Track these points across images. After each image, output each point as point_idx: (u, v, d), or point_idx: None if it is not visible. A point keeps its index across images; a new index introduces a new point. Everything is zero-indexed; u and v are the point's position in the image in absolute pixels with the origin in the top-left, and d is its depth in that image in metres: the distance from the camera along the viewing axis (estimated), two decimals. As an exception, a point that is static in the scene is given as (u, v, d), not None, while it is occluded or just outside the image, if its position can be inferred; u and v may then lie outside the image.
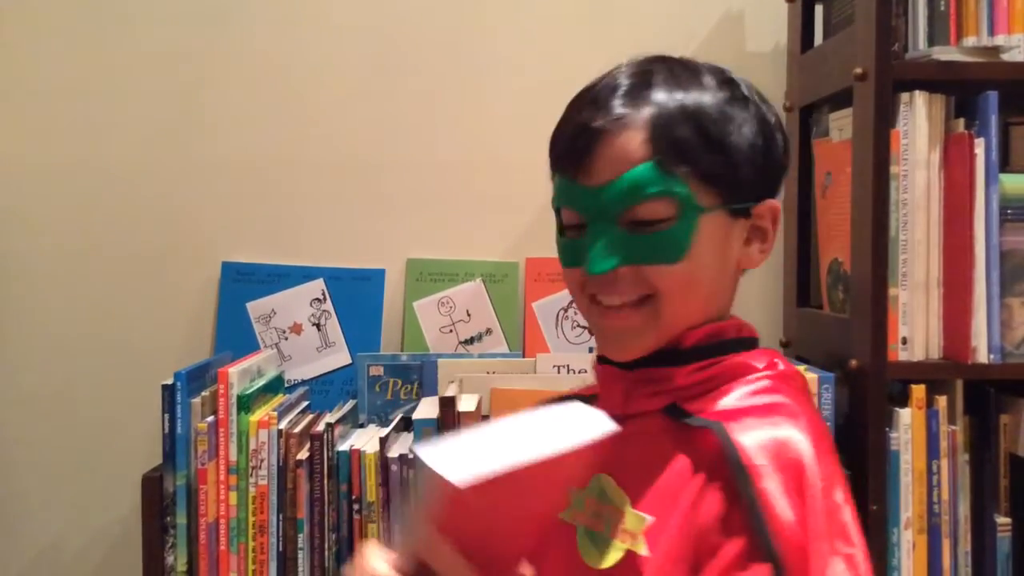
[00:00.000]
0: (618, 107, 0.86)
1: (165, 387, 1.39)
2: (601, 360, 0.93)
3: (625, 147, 0.85)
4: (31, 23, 1.70)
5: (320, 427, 1.43)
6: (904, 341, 1.36)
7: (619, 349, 0.90)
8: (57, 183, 1.70)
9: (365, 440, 1.46)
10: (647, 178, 0.84)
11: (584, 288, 0.90)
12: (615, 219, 0.86)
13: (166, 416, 1.39)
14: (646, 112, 0.86)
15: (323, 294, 1.70)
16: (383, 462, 1.40)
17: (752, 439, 0.79)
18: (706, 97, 0.87)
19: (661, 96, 0.86)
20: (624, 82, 0.88)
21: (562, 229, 0.92)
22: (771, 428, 0.81)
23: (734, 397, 0.86)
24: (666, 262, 0.86)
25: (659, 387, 0.88)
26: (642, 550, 0.81)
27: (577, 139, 0.87)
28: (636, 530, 0.83)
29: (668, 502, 0.82)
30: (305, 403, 1.57)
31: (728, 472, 0.78)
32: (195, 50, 1.71)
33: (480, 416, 1.43)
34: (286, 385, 1.64)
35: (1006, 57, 1.39)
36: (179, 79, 1.71)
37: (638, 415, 0.88)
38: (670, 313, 0.87)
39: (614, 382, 0.91)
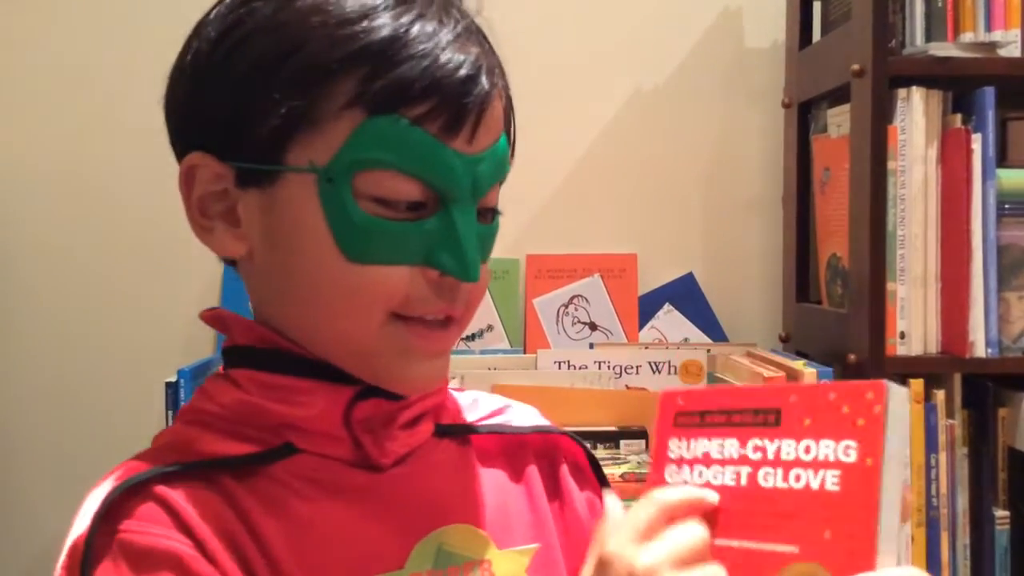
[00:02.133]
0: (494, 60, 0.67)
1: (168, 384, 1.40)
2: (362, 395, 0.66)
3: (497, 111, 0.66)
4: (30, 21, 1.71)
5: (322, 424, 1.44)
6: (902, 336, 1.37)
7: (428, 379, 0.67)
8: (60, 180, 1.70)
9: (367, 436, 1.46)
10: (506, 154, 0.67)
11: (405, 298, 0.63)
12: (475, 203, 0.65)
13: (169, 413, 1.40)
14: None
15: (325, 291, 1.70)
16: (385, 458, 1.41)
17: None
18: None
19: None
20: (470, 24, 0.67)
21: (363, 202, 0.62)
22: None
23: (474, 401, 0.78)
24: (485, 261, 0.68)
25: (419, 410, 0.69)
26: None
27: (470, 89, 0.62)
28: (516, 571, 0.69)
29: (536, 518, 0.73)
30: (307, 400, 1.58)
31: (567, 457, 0.78)
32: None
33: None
34: (288, 382, 1.64)
35: (1003, 53, 1.40)
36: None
37: (409, 454, 0.69)
38: (465, 326, 0.68)
39: (375, 425, 0.67)
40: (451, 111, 0.61)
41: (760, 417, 0.58)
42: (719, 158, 1.74)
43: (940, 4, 1.43)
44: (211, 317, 0.71)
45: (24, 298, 1.71)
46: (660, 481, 0.61)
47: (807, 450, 0.56)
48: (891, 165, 1.35)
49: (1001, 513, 1.39)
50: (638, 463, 1.36)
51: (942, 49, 1.38)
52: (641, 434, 1.43)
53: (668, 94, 1.73)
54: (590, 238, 1.72)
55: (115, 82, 1.71)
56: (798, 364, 1.37)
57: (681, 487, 0.59)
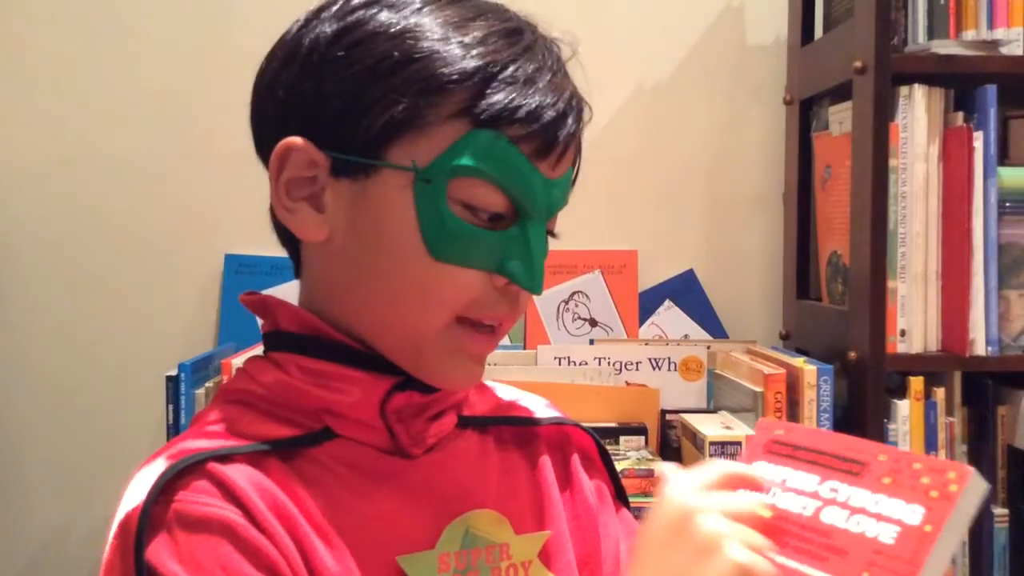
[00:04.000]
0: (583, 102, 0.75)
1: (169, 378, 1.40)
2: (399, 387, 0.70)
3: (575, 147, 0.74)
4: (31, 13, 1.70)
5: (323, 418, 1.44)
6: (902, 333, 1.37)
7: (468, 379, 0.73)
8: (60, 175, 1.70)
9: (367, 431, 1.46)
10: (570, 185, 0.75)
11: (472, 300, 0.68)
12: (546, 222, 0.72)
13: (170, 407, 1.40)
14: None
15: (325, 286, 1.70)
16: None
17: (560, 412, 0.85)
18: None
19: None
20: (564, 65, 0.74)
21: (453, 208, 0.67)
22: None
23: (490, 392, 0.82)
24: None
25: (446, 405, 0.74)
26: (542, 575, 0.73)
27: (565, 121, 0.70)
28: (529, 556, 0.73)
29: (549, 506, 0.77)
30: (308, 394, 1.58)
31: (578, 447, 0.82)
32: (198, 41, 1.71)
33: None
34: (289, 376, 1.64)
35: (1005, 51, 1.40)
36: (181, 70, 1.71)
37: (436, 444, 0.73)
38: (504, 335, 0.75)
39: (405, 416, 0.71)
40: (545, 139, 0.68)
41: (846, 464, 0.63)
42: (720, 155, 1.74)
43: (943, 2, 1.43)
44: (253, 301, 0.74)
45: (25, 293, 1.71)
46: None
47: (876, 503, 0.60)
48: (892, 163, 1.35)
49: (1000, 511, 1.39)
50: (637, 459, 1.36)
51: (944, 47, 1.38)
52: (640, 430, 1.43)
53: (669, 90, 1.73)
54: (591, 234, 1.71)
55: (115, 77, 1.71)
56: (798, 361, 1.37)
57: (742, 464, 0.64)
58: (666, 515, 0.62)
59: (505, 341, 1.67)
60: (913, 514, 0.59)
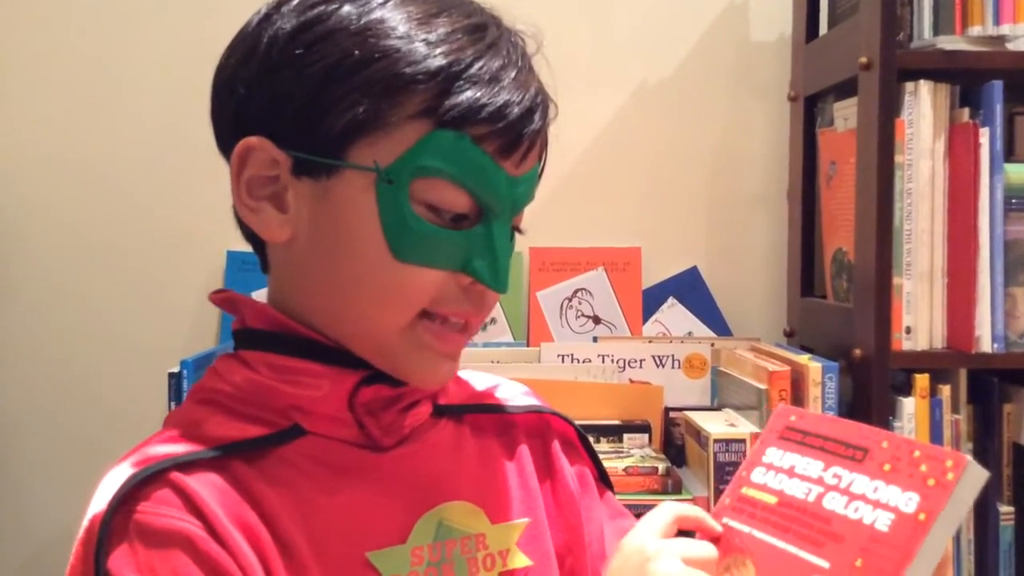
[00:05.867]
0: (548, 98, 0.73)
1: (171, 375, 1.40)
2: (367, 380, 0.69)
3: (541, 143, 0.72)
4: (35, 14, 1.70)
5: (325, 415, 1.43)
6: (908, 330, 1.36)
7: (439, 377, 0.71)
8: (63, 173, 1.70)
9: (370, 428, 1.46)
10: (536, 180, 0.74)
11: (435, 298, 0.67)
12: (511, 220, 0.71)
13: (172, 404, 1.40)
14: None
15: (328, 283, 1.70)
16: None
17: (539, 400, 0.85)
18: None
19: None
20: (529, 61, 0.73)
21: (415, 208, 0.66)
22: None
23: (467, 379, 0.82)
24: None
25: (418, 396, 0.72)
26: (520, 562, 0.73)
27: (531, 118, 0.68)
28: (507, 545, 0.73)
29: (526, 494, 0.76)
30: (310, 392, 1.58)
31: (559, 434, 0.83)
32: (200, 39, 1.70)
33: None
34: (291, 374, 1.64)
35: (1011, 46, 1.39)
36: (183, 68, 1.71)
37: (410, 434, 0.72)
38: (476, 332, 0.74)
39: (375, 408, 0.70)
40: (509, 137, 0.66)
41: (849, 451, 0.65)
42: (724, 152, 1.73)
43: (948, -3, 1.42)
44: (221, 299, 0.74)
45: (28, 290, 1.71)
46: (745, 481, 0.69)
47: (875, 490, 0.62)
48: (898, 159, 1.35)
49: (1005, 509, 1.38)
50: (641, 456, 1.36)
51: (950, 42, 1.37)
52: (644, 428, 1.43)
53: (673, 87, 1.72)
54: (594, 231, 1.71)
55: (121, 72, 1.70)
56: (803, 359, 1.37)
57: (695, 507, 0.69)
58: (625, 561, 0.64)
59: (508, 338, 1.66)
60: (908, 502, 0.60)
